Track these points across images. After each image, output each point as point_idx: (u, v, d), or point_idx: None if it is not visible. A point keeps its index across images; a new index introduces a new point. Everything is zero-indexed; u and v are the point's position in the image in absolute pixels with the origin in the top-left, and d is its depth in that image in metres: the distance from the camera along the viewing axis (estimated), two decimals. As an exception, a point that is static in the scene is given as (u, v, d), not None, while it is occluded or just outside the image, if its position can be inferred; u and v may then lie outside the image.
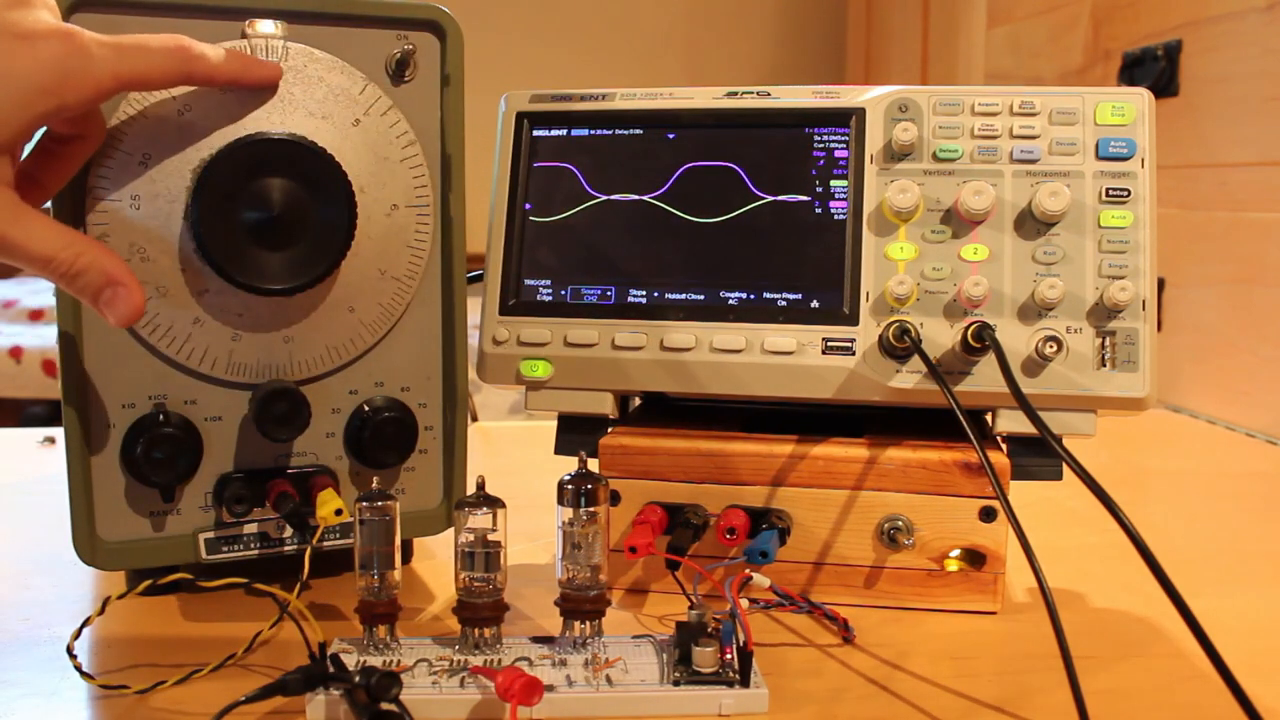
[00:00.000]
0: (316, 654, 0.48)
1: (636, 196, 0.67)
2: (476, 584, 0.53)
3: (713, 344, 0.64)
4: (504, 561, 0.53)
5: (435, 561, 0.70)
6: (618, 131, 0.68)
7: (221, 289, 0.60)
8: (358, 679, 0.45)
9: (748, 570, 0.58)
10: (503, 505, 0.53)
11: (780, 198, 0.65)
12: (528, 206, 0.69)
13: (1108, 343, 0.60)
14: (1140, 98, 0.62)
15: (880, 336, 0.62)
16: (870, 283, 0.63)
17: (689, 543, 0.60)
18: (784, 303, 0.64)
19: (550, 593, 0.56)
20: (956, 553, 0.62)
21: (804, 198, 0.65)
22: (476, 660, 0.52)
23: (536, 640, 0.54)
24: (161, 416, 0.60)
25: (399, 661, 0.52)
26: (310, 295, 0.62)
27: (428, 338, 0.66)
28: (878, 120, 0.64)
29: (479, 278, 0.70)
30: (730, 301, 0.65)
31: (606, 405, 0.66)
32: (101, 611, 0.54)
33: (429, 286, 0.66)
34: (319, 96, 0.61)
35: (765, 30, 3.18)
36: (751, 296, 0.65)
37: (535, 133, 0.69)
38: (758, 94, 0.67)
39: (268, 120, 0.60)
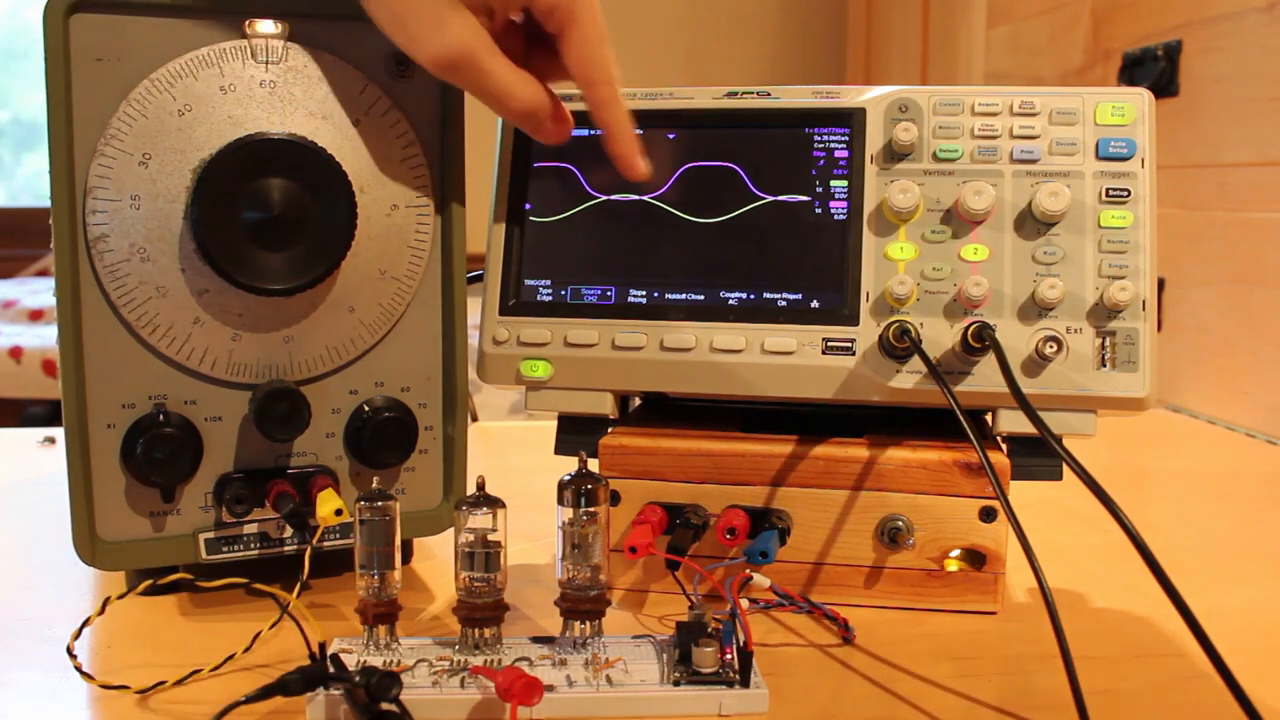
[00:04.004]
0: (316, 654, 0.48)
1: (636, 196, 0.67)
2: (476, 584, 0.53)
3: (713, 344, 0.64)
4: (504, 561, 0.53)
5: (435, 561, 0.70)
6: (618, 131, 0.68)
7: (221, 289, 0.60)
8: (358, 679, 0.45)
9: (748, 570, 0.58)
10: (503, 505, 0.53)
11: (780, 198, 0.65)
12: (528, 206, 0.69)
13: (1108, 343, 0.60)
14: (1140, 98, 0.62)
15: (880, 336, 0.62)
16: (870, 283, 0.63)
17: (689, 543, 0.60)
18: (784, 303, 0.64)
19: (550, 593, 0.56)
20: (956, 553, 0.62)
21: (804, 198, 0.65)
22: (476, 660, 0.52)
23: (536, 640, 0.54)
24: (161, 416, 0.60)
25: (399, 661, 0.52)
26: (310, 295, 0.62)
27: (428, 338, 0.66)
28: (878, 120, 0.64)
29: (479, 278, 0.70)
30: (730, 301, 0.65)
31: (606, 405, 0.66)
32: (101, 611, 0.54)
33: (429, 286, 0.66)
34: (319, 96, 0.61)
35: (765, 30, 3.18)
36: (751, 296, 0.65)
37: (535, 133, 0.69)
38: (758, 94, 0.67)
39: (268, 120, 0.60)
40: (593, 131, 0.68)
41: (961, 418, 0.57)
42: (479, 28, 0.55)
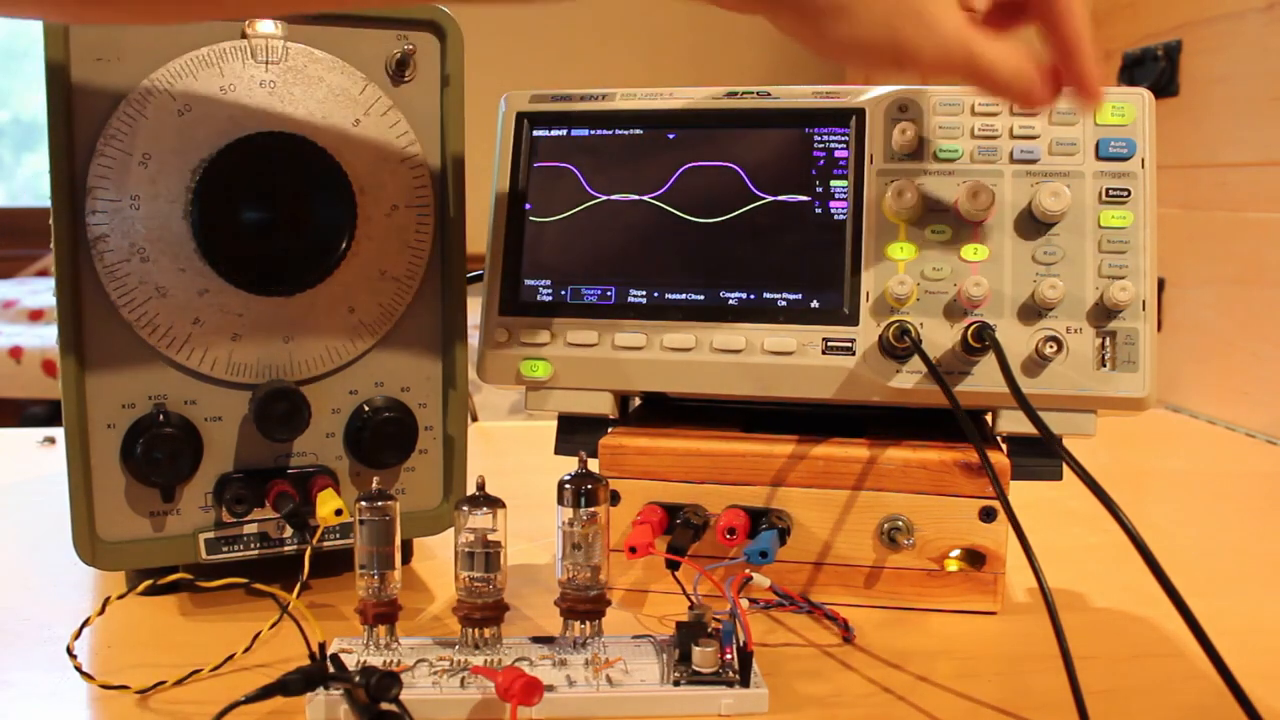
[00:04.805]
0: (316, 654, 0.48)
1: (636, 196, 0.67)
2: (476, 584, 0.53)
3: (713, 344, 0.64)
4: (504, 561, 0.53)
5: (435, 561, 0.70)
6: (618, 131, 0.68)
7: (221, 289, 0.60)
8: (358, 679, 0.45)
9: (748, 570, 0.58)
10: (503, 505, 0.53)
11: (780, 198, 0.65)
12: (528, 206, 0.69)
13: (1108, 343, 0.60)
14: (1140, 98, 0.62)
15: (880, 336, 0.62)
16: (870, 283, 0.63)
17: (689, 543, 0.60)
18: (784, 303, 0.64)
19: (550, 593, 0.56)
20: (956, 553, 0.62)
21: (804, 198, 0.65)
22: (476, 660, 0.52)
23: (536, 640, 0.54)
24: (161, 416, 0.60)
25: (399, 661, 0.52)
26: (310, 295, 0.62)
27: (428, 338, 0.66)
28: (878, 120, 0.64)
29: (479, 278, 0.70)
30: (730, 301, 0.65)
31: (606, 405, 0.66)
32: (101, 611, 0.54)
33: (429, 286, 0.66)
34: (319, 96, 0.61)
35: (765, 30, 3.17)
36: (751, 296, 0.65)
37: (535, 133, 0.69)
38: (758, 94, 0.67)
39: (268, 120, 0.60)
40: (593, 131, 0.68)
41: (961, 418, 0.57)
42: (958, 12, 0.51)
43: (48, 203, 0.57)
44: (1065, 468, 0.54)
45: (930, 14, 0.49)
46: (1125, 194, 0.61)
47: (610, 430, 0.66)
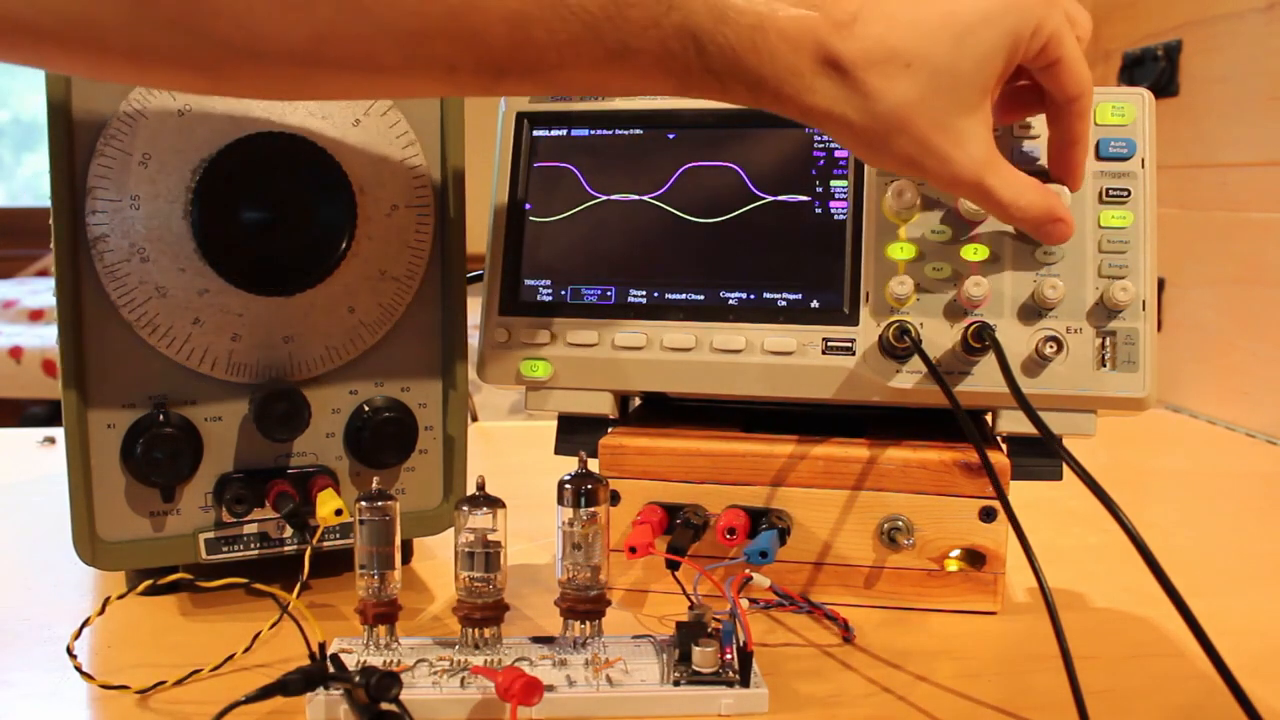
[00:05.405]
0: (316, 654, 0.48)
1: (636, 196, 0.67)
2: (476, 584, 0.53)
3: (713, 344, 0.64)
4: (504, 561, 0.53)
5: (435, 561, 0.70)
6: (618, 131, 0.68)
7: (221, 289, 0.60)
8: (358, 679, 0.45)
9: (748, 570, 0.58)
10: (503, 505, 0.53)
11: (780, 198, 0.65)
12: (528, 206, 0.69)
13: (1108, 343, 0.60)
14: (1140, 98, 0.62)
15: (880, 336, 0.62)
16: (870, 283, 0.63)
17: (689, 543, 0.60)
18: (784, 303, 0.64)
19: (550, 593, 0.56)
20: (956, 553, 0.62)
21: (804, 198, 0.65)
22: (476, 660, 0.52)
23: (536, 640, 0.54)
24: (161, 416, 0.60)
25: (399, 661, 0.52)
26: (310, 295, 0.62)
27: (428, 338, 0.66)
28: (878, 120, 0.64)
29: (479, 278, 0.70)
30: (730, 301, 0.65)
31: (606, 405, 0.66)
32: (101, 611, 0.54)
33: (429, 286, 0.66)
34: (319, 96, 0.61)
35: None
36: (751, 296, 0.65)
37: (535, 133, 0.69)
38: (758, 94, 0.66)
39: (268, 120, 0.60)
40: (593, 131, 0.68)
41: (961, 418, 0.57)
42: (986, 142, 0.53)
43: (48, 203, 0.57)
44: (1065, 468, 0.54)
45: (948, 154, 0.52)
46: (1125, 194, 0.61)
47: (610, 430, 0.66)
